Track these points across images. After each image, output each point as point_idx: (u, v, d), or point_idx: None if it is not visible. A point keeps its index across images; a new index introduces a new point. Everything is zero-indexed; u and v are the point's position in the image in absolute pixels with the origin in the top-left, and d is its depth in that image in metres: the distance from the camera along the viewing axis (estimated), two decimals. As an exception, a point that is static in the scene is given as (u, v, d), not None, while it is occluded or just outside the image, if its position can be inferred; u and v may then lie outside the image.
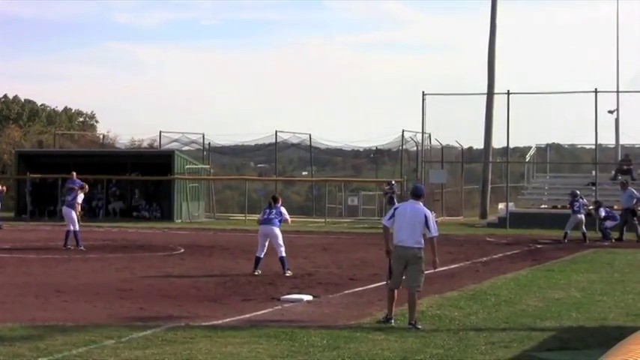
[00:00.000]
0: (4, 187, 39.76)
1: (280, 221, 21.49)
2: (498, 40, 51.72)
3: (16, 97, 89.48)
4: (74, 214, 27.94)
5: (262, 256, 21.13)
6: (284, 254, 21.21)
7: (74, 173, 42.49)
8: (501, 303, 16.26)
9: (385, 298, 14.65)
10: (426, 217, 14.05)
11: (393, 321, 13.89)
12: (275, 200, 21.83)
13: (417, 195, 14.47)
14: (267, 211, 21.54)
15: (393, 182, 43.80)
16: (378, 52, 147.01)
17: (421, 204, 14.32)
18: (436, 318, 14.38)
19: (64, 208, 28.68)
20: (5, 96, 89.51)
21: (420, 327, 13.46)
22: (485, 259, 25.76)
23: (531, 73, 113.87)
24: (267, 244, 21.21)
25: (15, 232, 35.50)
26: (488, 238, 34.70)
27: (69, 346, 11.36)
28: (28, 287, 17.77)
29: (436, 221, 16.07)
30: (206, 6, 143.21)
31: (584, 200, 35.23)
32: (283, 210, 21.83)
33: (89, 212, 46.25)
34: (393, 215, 14.32)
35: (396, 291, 14.14)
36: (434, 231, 14.11)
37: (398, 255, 14.12)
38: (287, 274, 20.74)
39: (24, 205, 48.05)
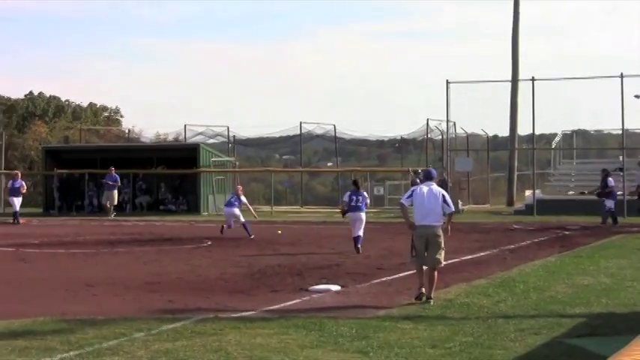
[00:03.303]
0: (24, 185, 40.06)
1: (366, 205, 24.36)
2: (522, 26, 51.50)
3: (41, 93, 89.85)
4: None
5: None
6: (361, 234, 23.93)
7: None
8: (530, 290, 16.21)
9: (416, 278, 15.40)
10: (443, 195, 15.23)
11: (424, 289, 14.86)
12: (357, 185, 24.84)
13: (429, 177, 15.69)
14: (354, 198, 24.03)
15: (419, 170, 43.71)
16: (401, 40, 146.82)
17: (435, 184, 15.49)
18: (465, 306, 14.35)
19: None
20: (30, 92, 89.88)
21: (432, 302, 14.52)
22: (512, 246, 25.68)
23: (556, 59, 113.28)
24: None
25: (43, 228, 35.68)
26: (515, 226, 34.59)
27: (100, 339, 11.41)
28: (57, 281, 17.87)
29: (463, 209, 16.58)
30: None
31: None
32: (365, 194, 24.87)
33: (117, 206, 46.47)
34: (410, 195, 15.43)
35: (422, 265, 15.12)
36: (452, 207, 15.30)
37: (419, 234, 15.22)
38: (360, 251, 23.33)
39: (52, 201, 48.24)
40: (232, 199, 29.80)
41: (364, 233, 24.33)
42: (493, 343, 11.28)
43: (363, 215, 24.23)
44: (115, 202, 43.19)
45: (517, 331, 12.03)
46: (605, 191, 34.97)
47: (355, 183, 25.34)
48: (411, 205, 15.51)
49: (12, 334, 11.79)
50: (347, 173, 53.28)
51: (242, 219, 29.33)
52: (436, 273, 15.12)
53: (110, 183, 42.85)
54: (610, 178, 35.06)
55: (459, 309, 14.08)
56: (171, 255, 23.76)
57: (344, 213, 24.96)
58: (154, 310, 14.13)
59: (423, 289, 14.91)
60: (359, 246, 23.74)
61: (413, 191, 15.55)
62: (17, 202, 38.42)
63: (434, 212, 15.12)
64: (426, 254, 15.12)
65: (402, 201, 15.69)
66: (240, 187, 31.71)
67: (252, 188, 61.39)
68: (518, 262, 21.23)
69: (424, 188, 15.36)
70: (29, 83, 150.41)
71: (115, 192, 43.00)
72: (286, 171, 59.87)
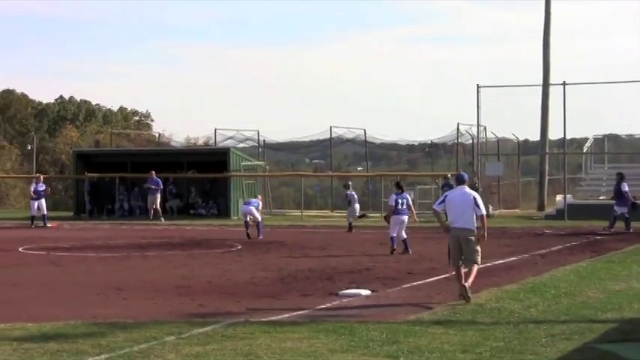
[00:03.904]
0: (49, 187, 40.32)
1: (409, 208, 25.09)
2: (553, 29, 51.22)
3: (72, 97, 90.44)
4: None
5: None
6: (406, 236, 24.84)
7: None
8: (561, 295, 16.13)
9: (454, 281, 15.82)
10: (474, 198, 15.64)
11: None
12: (401, 187, 25.45)
13: (461, 181, 16.12)
14: (400, 201, 24.83)
15: (449, 175, 43.62)
16: (431, 44, 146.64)
17: (467, 188, 15.93)
18: (495, 311, 14.30)
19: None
20: (61, 97, 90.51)
21: (467, 285, 15.09)
22: (543, 251, 25.55)
23: (588, 63, 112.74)
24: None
25: (74, 231, 35.87)
26: (546, 230, 34.42)
27: (130, 343, 11.46)
28: (88, 285, 17.94)
29: (493, 214, 16.78)
30: (256, 4, 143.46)
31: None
32: (409, 196, 25.74)
33: (147, 210, 46.64)
34: (443, 201, 16.02)
35: (459, 266, 15.51)
36: (483, 209, 15.72)
37: (454, 236, 15.69)
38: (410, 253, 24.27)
39: (82, 204, 48.45)
40: (252, 200, 32.31)
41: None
42: (524, 349, 11.23)
43: (407, 218, 25.13)
44: (158, 206, 43.18)
45: (548, 337, 11.98)
46: (619, 195, 34.35)
47: (398, 185, 25.78)
48: (444, 211, 16.06)
49: (44, 337, 11.85)
50: (377, 178, 53.21)
51: (259, 218, 30.85)
52: (475, 269, 15.66)
53: (153, 187, 42.95)
54: (624, 183, 34.58)
55: (490, 314, 14.03)
56: (202, 259, 23.80)
57: (389, 218, 25.14)
58: (184, 313, 14.17)
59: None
60: (409, 248, 24.66)
61: (445, 196, 16.15)
62: (39, 204, 38.47)
63: (466, 215, 15.58)
64: (462, 256, 15.60)
65: (435, 207, 16.33)
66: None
67: (282, 192, 61.51)
68: (550, 267, 21.12)
69: (456, 192, 15.93)
70: (60, 88, 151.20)
71: (158, 195, 43.05)
72: (316, 175, 59.83)
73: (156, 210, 42.48)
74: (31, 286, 17.97)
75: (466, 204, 15.59)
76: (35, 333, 12.21)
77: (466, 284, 15.19)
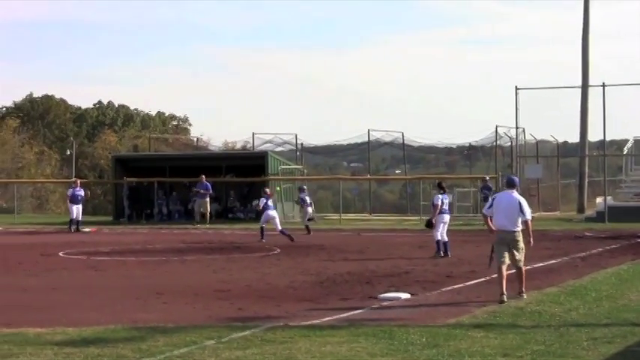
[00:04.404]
0: (88, 191, 40.54)
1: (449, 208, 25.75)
2: (592, 30, 50.88)
3: (110, 102, 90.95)
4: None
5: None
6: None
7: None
8: (602, 298, 16.03)
9: (496, 284, 15.98)
10: (520, 203, 16.05)
11: (505, 296, 15.47)
12: (443, 188, 25.68)
13: (511, 185, 16.51)
14: (446, 201, 25.28)
15: (487, 178, 43.47)
16: (469, 47, 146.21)
17: (515, 192, 16.33)
18: (536, 314, 14.22)
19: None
20: (100, 102, 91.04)
21: (525, 296, 15.75)
22: (584, 254, 25.39)
23: (627, 64, 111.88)
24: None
25: (113, 236, 36.05)
26: (586, 233, 34.19)
27: (170, 347, 11.49)
28: (128, 289, 18.02)
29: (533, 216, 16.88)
30: (291, 8, 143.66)
31: None
32: (448, 197, 26.36)
33: (185, 214, 46.75)
34: (491, 205, 16.35)
35: (503, 268, 15.81)
36: (528, 214, 16.10)
37: (500, 238, 16.07)
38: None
39: (121, 209, 48.64)
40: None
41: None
42: (565, 352, 11.16)
43: (449, 218, 25.90)
44: (209, 210, 43.34)
45: (589, 340, 11.89)
46: None
47: (440, 185, 26.04)
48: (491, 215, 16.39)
49: (84, 342, 11.91)
50: (415, 180, 53.08)
51: (279, 227, 31.01)
52: (523, 269, 16.16)
53: (202, 191, 43.08)
54: None
55: (530, 317, 13.95)
56: (241, 263, 23.84)
57: (431, 222, 25.20)
58: (223, 318, 14.19)
59: (505, 297, 15.48)
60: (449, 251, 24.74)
61: (493, 199, 16.61)
62: (77, 209, 38.68)
63: (512, 218, 15.98)
64: (506, 258, 15.93)
65: (484, 211, 16.85)
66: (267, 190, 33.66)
67: (320, 196, 61.42)
68: (590, 269, 20.99)
69: (504, 196, 16.37)
70: (98, 93, 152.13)
71: (208, 200, 43.18)
72: (354, 179, 59.80)
73: (210, 214, 42.77)
74: (71, 290, 18.08)
75: (513, 207, 15.97)
76: (76, 337, 12.27)
77: (523, 291, 15.96)
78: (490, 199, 17.00)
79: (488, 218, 16.43)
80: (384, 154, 72.06)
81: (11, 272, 21.79)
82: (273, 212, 31.43)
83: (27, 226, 43.06)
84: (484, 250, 17.92)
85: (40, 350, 11.36)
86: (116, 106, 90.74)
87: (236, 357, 10.94)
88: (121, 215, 48.00)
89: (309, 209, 36.48)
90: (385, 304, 15.72)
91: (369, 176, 56.09)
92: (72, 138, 77.87)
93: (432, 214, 25.50)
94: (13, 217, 49.03)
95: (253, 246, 29.37)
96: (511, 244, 15.96)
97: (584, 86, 49.01)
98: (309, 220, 36.57)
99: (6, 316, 14.21)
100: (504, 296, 15.48)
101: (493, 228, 16.22)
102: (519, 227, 16.01)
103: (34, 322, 13.41)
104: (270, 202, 31.68)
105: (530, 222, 16.22)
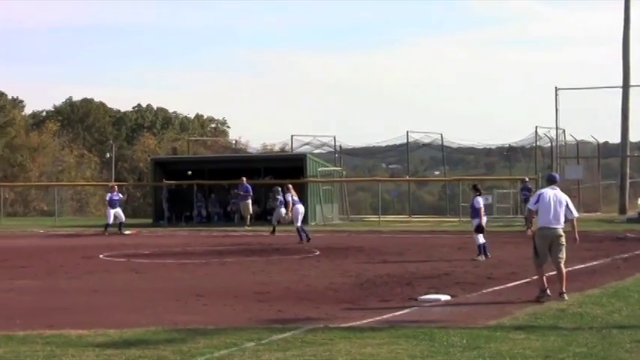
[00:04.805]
0: (126, 194, 40.74)
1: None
2: (633, 30, 50.47)
3: (149, 105, 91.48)
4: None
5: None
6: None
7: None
8: (645, 300, 15.89)
9: (536, 282, 16.37)
10: (567, 201, 16.18)
11: (548, 290, 15.76)
12: (479, 190, 25.71)
13: (552, 181, 16.75)
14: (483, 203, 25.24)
15: (527, 179, 43.27)
16: (508, 48, 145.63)
17: (558, 189, 16.38)
18: (578, 316, 14.11)
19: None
20: (139, 105, 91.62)
21: (566, 297, 15.59)
22: (626, 255, 25.19)
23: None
24: None
25: (153, 238, 36.20)
26: (628, 234, 33.93)
27: (211, 349, 11.50)
28: (168, 291, 18.06)
29: None
30: (332, 10, 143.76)
31: None
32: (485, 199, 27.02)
33: (225, 217, 46.86)
34: (537, 200, 16.25)
35: (543, 266, 15.99)
36: (574, 212, 16.26)
37: (543, 235, 16.09)
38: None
39: (161, 212, 48.86)
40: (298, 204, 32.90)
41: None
42: (608, 354, 11.06)
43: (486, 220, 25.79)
44: (250, 212, 43.49)
45: (633, 342, 11.78)
46: None
47: (476, 187, 26.00)
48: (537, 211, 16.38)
49: (125, 344, 11.95)
50: (454, 182, 52.94)
51: (298, 223, 32.11)
52: (564, 269, 16.04)
53: (242, 193, 43.22)
54: None
55: (572, 319, 13.84)
56: (280, 265, 23.85)
57: (482, 227, 24.87)
58: (263, 319, 14.18)
59: (548, 291, 15.78)
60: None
61: (539, 195, 16.42)
62: (115, 213, 38.87)
63: (557, 216, 16.00)
64: (549, 255, 16.03)
65: (529, 207, 16.69)
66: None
67: (359, 198, 61.48)
68: (633, 271, 20.82)
69: (549, 192, 16.26)
70: (138, 96, 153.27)
71: (249, 201, 43.33)
72: (393, 180, 59.70)
73: (246, 216, 42.91)
74: (112, 292, 18.15)
75: (559, 204, 16.02)
76: (117, 339, 12.31)
77: (564, 292, 15.80)
78: (536, 195, 16.85)
79: (533, 213, 16.49)
80: (423, 156, 72.01)
81: (53, 275, 21.91)
82: (301, 207, 32.84)
83: (67, 228, 43.44)
84: (524, 252, 17.82)
85: (82, 352, 11.41)
86: (155, 109, 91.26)
87: (276, 359, 10.94)
88: (161, 218, 48.25)
89: (282, 210, 36.08)
90: (425, 305, 15.66)
91: (408, 178, 56.02)
92: (111, 141, 78.47)
93: (479, 217, 24.85)
94: (54, 219, 49.45)
95: (292, 248, 29.40)
96: (554, 242, 15.97)
97: (625, 86, 48.67)
98: (278, 222, 36.91)
99: (48, 318, 14.30)
100: (548, 290, 15.74)
101: (532, 228, 16.36)
102: (562, 224, 16.05)
103: (75, 324, 13.48)
104: (295, 197, 33.13)
105: (576, 220, 16.35)
